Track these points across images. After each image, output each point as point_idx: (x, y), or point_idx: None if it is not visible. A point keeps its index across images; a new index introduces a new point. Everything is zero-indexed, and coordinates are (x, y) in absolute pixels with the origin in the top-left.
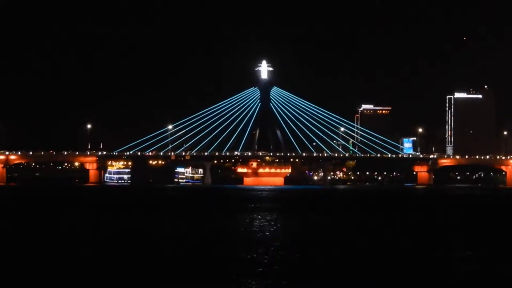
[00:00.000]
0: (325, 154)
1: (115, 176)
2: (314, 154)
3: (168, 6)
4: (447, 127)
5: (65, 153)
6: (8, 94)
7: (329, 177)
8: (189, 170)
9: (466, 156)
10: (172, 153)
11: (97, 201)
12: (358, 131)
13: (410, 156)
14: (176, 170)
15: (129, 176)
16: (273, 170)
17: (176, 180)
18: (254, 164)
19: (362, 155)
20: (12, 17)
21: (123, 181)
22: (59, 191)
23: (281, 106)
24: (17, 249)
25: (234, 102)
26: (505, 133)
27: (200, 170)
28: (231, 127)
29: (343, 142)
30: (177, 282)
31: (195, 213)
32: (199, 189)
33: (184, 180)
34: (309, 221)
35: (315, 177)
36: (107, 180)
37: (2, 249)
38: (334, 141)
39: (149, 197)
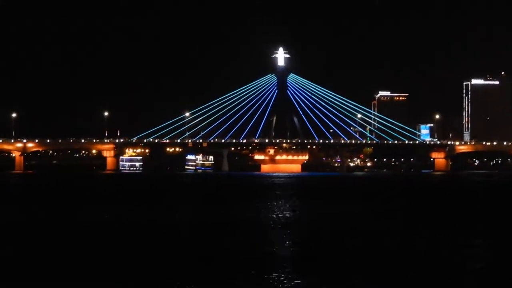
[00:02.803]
0: (342, 141)
1: (127, 163)
2: (331, 141)
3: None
4: (464, 114)
5: (83, 140)
6: (26, 83)
7: (346, 164)
8: (199, 157)
9: (483, 142)
10: (189, 140)
11: (114, 190)
12: (375, 118)
13: (427, 142)
14: (187, 158)
15: (141, 163)
16: (290, 157)
17: (187, 167)
18: (271, 151)
19: (379, 141)
20: (26, 7)
21: (135, 168)
22: (77, 179)
23: (298, 93)
24: (33, 238)
25: (251, 89)
26: None
27: (211, 157)
28: (248, 114)
29: (360, 129)
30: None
31: (212, 201)
32: (214, 177)
33: (195, 168)
34: (325, 209)
35: (332, 164)
36: (121, 168)
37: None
38: (351, 128)
39: (168, 185)
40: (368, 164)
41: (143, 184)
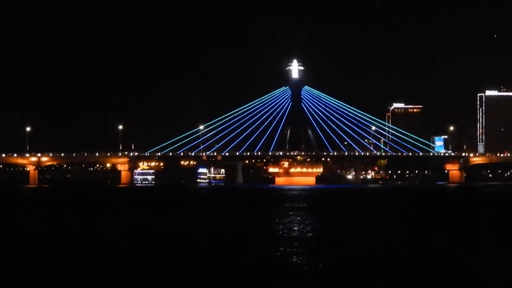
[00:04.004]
0: (357, 153)
1: (139, 177)
2: (346, 153)
3: (199, 4)
4: (478, 125)
5: (97, 154)
6: (40, 96)
7: (361, 176)
8: (211, 170)
9: (498, 154)
10: (204, 154)
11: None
12: (390, 130)
13: (442, 154)
14: (198, 171)
15: (153, 177)
16: (304, 170)
17: (199, 180)
18: (286, 164)
19: (394, 153)
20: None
21: (147, 182)
22: (92, 193)
23: (312, 105)
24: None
25: (265, 102)
26: None
27: (222, 170)
28: (263, 127)
29: (375, 141)
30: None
31: (227, 212)
32: (227, 190)
33: (209, 181)
34: (340, 220)
35: (347, 176)
36: (135, 182)
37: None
38: (366, 140)
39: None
40: (383, 176)
41: (153, 196)
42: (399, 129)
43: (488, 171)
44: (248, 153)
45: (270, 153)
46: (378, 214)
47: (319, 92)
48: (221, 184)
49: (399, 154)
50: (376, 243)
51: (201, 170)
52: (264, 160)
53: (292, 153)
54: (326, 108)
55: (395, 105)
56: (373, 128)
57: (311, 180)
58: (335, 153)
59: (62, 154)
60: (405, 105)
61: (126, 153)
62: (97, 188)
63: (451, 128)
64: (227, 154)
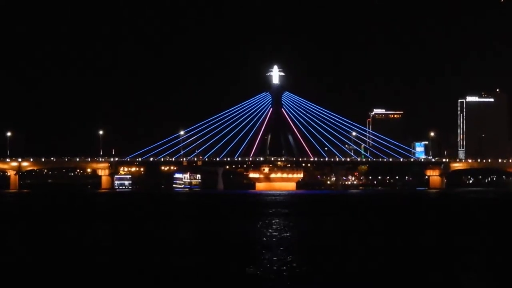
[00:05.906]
0: (337, 159)
1: (117, 182)
2: (326, 159)
3: (179, 13)
4: (459, 131)
5: (77, 159)
6: (20, 102)
7: (341, 182)
8: (187, 175)
9: (478, 160)
10: (184, 159)
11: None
12: (370, 136)
13: (422, 160)
14: (174, 176)
15: (130, 182)
16: (285, 175)
17: (175, 186)
18: (266, 169)
19: (374, 159)
20: (22, 25)
21: (124, 187)
22: (71, 199)
23: (292, 111)
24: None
25: (246, 107)
26: None
27: (198, 176)
28: (243, 132)
29: (355, 147)
30: None
31: (210, 219)
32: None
33: (182, 186)
34: (319, 227)
35: (328, 182)
36: (115, 187)
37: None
38: (346, 146)
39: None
40: (363, 182)
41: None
42: (379, 135)
43: (469, 177)
44: (229, 159)
45: (250, 159)
46: (358, 220)
47: (300, 98)
48: (197, 189)
49: (380, 159)
50: (356, 250)
51: (177, 175)
52: (245, 166)
53: (272, 159)
54: (307, 114)
55: (376, 110)
56: (354, 133)
57: (291, 186)
58: (316, 159)
59: (43, 159)
60: (385, 110)
61: (106, 158)
62: (74, 193)
63: (432, 134)
64: (207, 159)
